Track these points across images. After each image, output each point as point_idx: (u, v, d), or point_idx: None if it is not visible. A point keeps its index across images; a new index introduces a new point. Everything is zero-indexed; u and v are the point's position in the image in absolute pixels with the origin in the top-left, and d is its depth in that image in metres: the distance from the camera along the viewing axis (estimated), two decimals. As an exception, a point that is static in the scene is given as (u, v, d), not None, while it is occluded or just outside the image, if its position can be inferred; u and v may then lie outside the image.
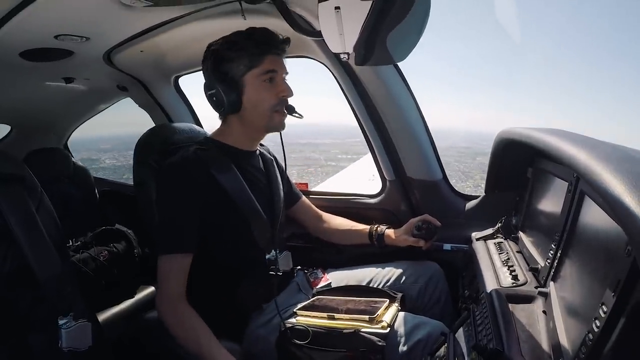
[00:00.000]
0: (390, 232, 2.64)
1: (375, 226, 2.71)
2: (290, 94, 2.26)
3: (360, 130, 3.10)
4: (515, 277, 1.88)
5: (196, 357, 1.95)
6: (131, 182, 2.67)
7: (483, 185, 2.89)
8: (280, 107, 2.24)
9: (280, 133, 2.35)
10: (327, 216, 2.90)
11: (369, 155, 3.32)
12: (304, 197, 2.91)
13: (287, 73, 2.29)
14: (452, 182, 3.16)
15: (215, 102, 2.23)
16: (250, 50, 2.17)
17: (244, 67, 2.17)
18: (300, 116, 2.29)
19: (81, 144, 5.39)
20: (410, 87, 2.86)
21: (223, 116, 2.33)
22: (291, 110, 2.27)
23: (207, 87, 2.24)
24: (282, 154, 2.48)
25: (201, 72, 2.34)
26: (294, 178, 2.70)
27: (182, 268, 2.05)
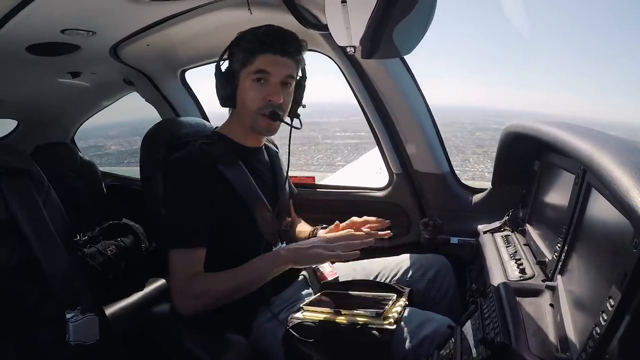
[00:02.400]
0: (322, 232, 2.63)
1: (314, 229, 2.69)
2: (277, 100, 2.18)
3: (356, 109, 3.11)
4: (522, 271, 1.89)
5: (246, 288, 2.05)
6: (134, 167, 2.65)
7: (472, 159, 2.90)
8: (266, 111, 2.18)
9: (291, 129, 2.34)
10: (298, 226, 2.86)
11: (376, 148, 3.33)
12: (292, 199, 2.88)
13: (292, 77, 2.22)
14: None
15: (217, 92, 2.24)
16: (246, 46, 2.14)
17: (239, 63, 2.16)
18: (299, 127, 2.28)
19: (90, 131, 5.42)
20: (417, 80, 2.86)
21: (229, 110, 2.32)
22: (275, 117, 2.19)
23: (214, 77, 2.24)
24: (288, 148, 2.44)
25: (208, 65, 2.34)
26: (284, 157, 2.66)
27: (195, 263, 2.06)
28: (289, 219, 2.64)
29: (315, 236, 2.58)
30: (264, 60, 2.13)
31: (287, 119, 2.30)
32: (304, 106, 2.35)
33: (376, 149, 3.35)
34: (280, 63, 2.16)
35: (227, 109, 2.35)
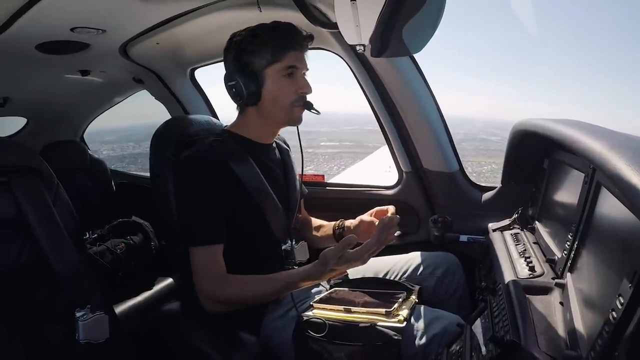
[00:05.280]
0: (348, 223, 2.61)
1: (340, 220, 2.67)
2: (310, 90, 2.25)
3: (355, 119, 3.11)
4: (532, 268, 1.88)
5: (276, 294, 2.12)
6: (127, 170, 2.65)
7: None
8: (299, 103, 2.23)
9: (297, 127, 2.36)
10: (314, 222, 2.87)
11: (385, 147, 3.33)
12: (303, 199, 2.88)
13: (307, 69, 2.28)
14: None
15: (234, 93, 2.22)
16: (274, 45, 2.16)
17: (265, 60, 2.17)
18: (318, 112, 2.29)
19: (88, 135, 5.46)
20: (426, 78, 2.85)
21: (241, 108, 2.33)
22: (309, 107, 2.26)
23: (228, 78, 2.24)
24: (299, 147, 2.47)
25: (217, 64, 2.33)
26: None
27: (218, 259, 2.07)
28: (300, 215, 2.64)
29: (343, 229, 2.60)
30: (293, 56, 2.19)
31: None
32: (318, 112, 2.36)
33: (385, 148, 3.36)
34: (302, 58, 2.25)
35: (235, 108, 2.35)
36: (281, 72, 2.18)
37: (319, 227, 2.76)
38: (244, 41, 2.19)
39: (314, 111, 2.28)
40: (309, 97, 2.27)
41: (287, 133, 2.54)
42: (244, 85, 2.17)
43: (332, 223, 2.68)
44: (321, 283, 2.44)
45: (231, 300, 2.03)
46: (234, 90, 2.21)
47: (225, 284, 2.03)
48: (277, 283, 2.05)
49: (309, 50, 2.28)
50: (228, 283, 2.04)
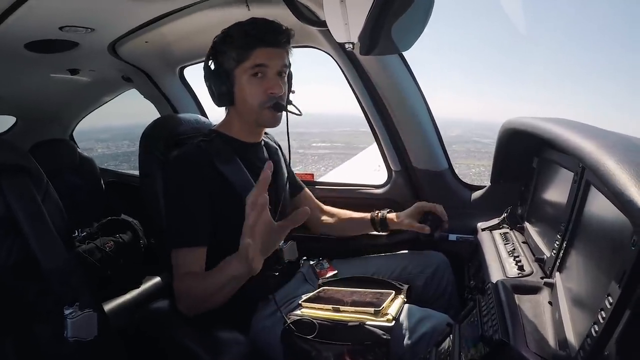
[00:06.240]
0: (392, 215, 2.65)
1: (376, 212, 2.70)
2: (279, 91, 2.19)
3: (349, 120, 3.11)
4: (521, 268, 1.89)
5: (236, 284, 1.94)
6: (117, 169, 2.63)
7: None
8: (269, 104, 2.19)
9: (287, 126, 2.32)
10: (327, 208, 2.90)
11: (374, 146, 3.34)
12: (305, 189, 2.88)
13: (286, 66, 2.23)
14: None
15: (210, 92, 2.25)
16: (240, 44, 2.14)
17: (233, 61, 2.16)
18: (299, 113, 2.27)
19: (82, 133, 5.46)
20: (415, 76, 2.85)
21: (219, 107, 2.33)
22: (279, 108, 2.21)
23: (204, 78, 2.25)
24: (287, 145, 2.44)
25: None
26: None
27: (199, 261, 2.06)
28: (314, 206, 2.70)
29: (381, 220, 2.67)
30: (259, 54, 2.14)
31: (290, 108, 2.28)
32: (293, 92, 2.34)
33: (374, 146, 3.36)
34: (275, 55, 2.18)
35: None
36: (249, 72, 2.15)
37: (351, 219, 2.82)
38: (218, 42, 2.21)
39: (292, 112, 2.26)
40: (292, 97, 2.27)
41: (280, 134, 2.54)
42: (214, 87, 2.19)
43: (366, 214, 2.75)
44: (309, 282, 2.45)
45: (200, 296, 1.97)
46: (210, 90, 2.24)
47: (196, 282, 1.99)
48: (231, 264, 1.87)
49: (299, 49, 2.27)
50: (198, 280, 2.00)
